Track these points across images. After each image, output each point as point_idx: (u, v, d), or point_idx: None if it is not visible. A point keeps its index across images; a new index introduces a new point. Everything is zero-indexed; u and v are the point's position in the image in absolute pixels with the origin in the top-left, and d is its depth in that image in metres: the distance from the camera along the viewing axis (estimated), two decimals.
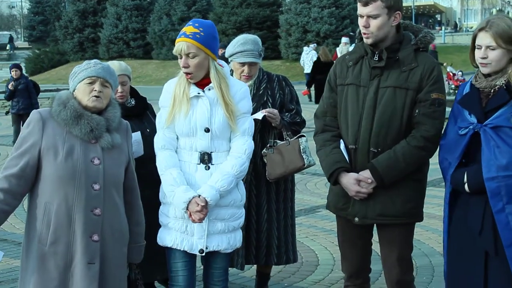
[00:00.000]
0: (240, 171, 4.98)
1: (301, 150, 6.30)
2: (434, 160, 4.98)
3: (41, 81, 48.93)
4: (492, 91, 4.62)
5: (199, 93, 5.00)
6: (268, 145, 6.38)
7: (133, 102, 6.26)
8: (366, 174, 4.94)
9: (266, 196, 6.51)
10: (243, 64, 6.40)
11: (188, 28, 4.97)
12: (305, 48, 28.90)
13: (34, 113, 4.76)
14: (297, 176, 6.51)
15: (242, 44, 6.41)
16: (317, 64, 22.49)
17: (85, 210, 4.67)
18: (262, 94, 6.49)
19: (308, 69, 28.53)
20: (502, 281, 4.59)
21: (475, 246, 4.65)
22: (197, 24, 5.00)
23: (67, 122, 4.66)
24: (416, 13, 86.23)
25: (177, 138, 5.08)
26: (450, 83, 29.30)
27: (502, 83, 4.59)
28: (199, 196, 4.85)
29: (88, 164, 4.67)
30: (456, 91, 25.16)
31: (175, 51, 4.98)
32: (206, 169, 4.99)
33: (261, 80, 6.55)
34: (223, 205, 4.99)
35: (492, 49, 4.58)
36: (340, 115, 5.10)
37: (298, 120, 6.55)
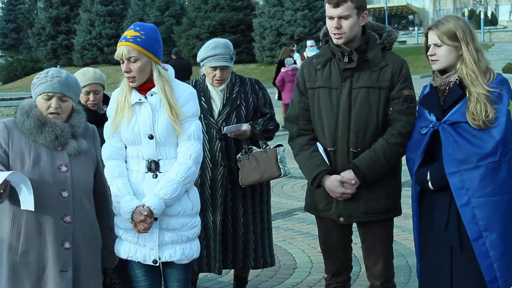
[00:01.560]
0: (186, 177, 4.85)
1: (278, 160, 6.32)
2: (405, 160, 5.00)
3: (15, 88, 49.20)
4: (447, 88, 4.71)
5: (140, 99, 4.92)
6: (243, 151, 6.36)
7: (105, 109, 6.21)
8: (349, 175, 4.97)
9: (242, 200, 6.49)
10: (214, 68, 6.36)
11: (129, 32, 4.89)
12: (296, 54, 29.13)
13: None
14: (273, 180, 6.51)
15: (213, 48, 6.39)
16: (280, 63, 22.87)
17: (54, 218, 4.64)
18: (235, 98, 6.46)
19: None
20: (466, 276, 4.64)
21: (442, 242, 4.70)
22: (138, 28, 4.93)
23: (32, 131, 4.62)
24: (389, 14, 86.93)
25: (125, 148, 5.02)
26: None
27: (456, 79, 4.68)
28: (143, 205, 4.78)
29: (55, 171, 4.65)
30: None
31: (116, 55, 4.92)
32: (153, 178, 4.90)
33: (233, 83, 6.52)
34: (173, 215, 4.91)
35: (439, 46, 4.70)
36: (314, 118, 5.11)
37: (271, 127, 6.54)
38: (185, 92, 5.01)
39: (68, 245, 4.67)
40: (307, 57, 20.52)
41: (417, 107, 4.88)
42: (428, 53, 4.75)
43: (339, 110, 4.99)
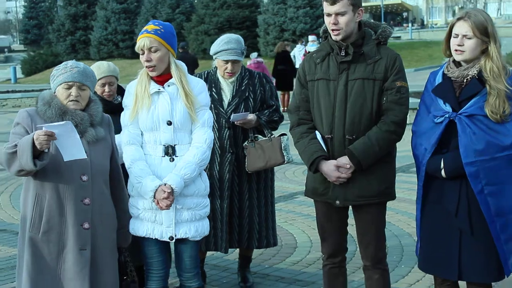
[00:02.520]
0: (202, 159, 5.01)
1: (282, 148, 6.36)
2: (403, 148, 5.00)
3: (36, 81, 49.08)
4: (464, 80, 4.66)
5: (159, 89, 5.04)
6: (249, 139, 6.39)
7: (119, 99, 6.25)
8: (344, 160, 4.96)
9: (248, 184, 6.52)
10: (226, 61, 6.41)
11: (149, 26, 5.03)
12: (297, 45, 29.00)
13: (22, 112, 4.78)
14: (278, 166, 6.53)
15: (226, 43, 6.42)
16: (277, 56, 23.07)
17: (75, 200, 4.69)
18: (244, 90, 6.49)
19: (298, 64, 28.86)
20: (475, 259, 4.64)
21: (451, 226, 4.69)
22: (157, 23, 5.09)
23: (53, 120, 4.63)
24: (385, 11, 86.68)
25: (142, 134, 5.09)
26: None
27: (474, 73, 4.62)
28: (165, 184, 4.87)
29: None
30: None
31: (137, 47, 5.01)
32: (170, 161, 5.01)
33: (243, 76, 6.55)
34: (188, 195, 5.02)
35: (469, 38, 4.60)
36: (314, 108, 5.11)
37: (276, 118, 6.58)
38: (198, 83, 5.16)
39: (87, 225, 4.71)
40: (308, 51, 20.75)
41: (426, 95, 4.83)
42: (456, 43, 4.62)
43: (336, 100, 4.98)
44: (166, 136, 5.01)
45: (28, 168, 4.46)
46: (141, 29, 5.13)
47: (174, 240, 5.05)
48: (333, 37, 4.96)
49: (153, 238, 5.02)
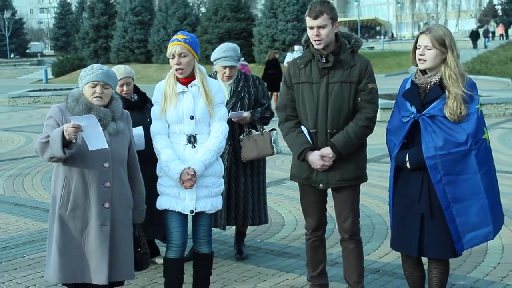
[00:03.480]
0: (219, 147, 5.11)
1: (272, 141, 6.41)
2: (375, 141, 5.02)
3: (64, 81, 49.05)
4: (428, 86, 4.68)
5: (184, 89, 5.11)
6: (244, 133, 6.43)
7: (136, 97, 6.31)
8: (327, 150, 5.03)
9: (243, 171, 6.56)
10: (225, 67, 6.48)
11: (179, 36, 5.11)
12: (288, 53, 29.06)
13: (53, 107, 4.80)
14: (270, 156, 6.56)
15: (224, 51, 6.47)
16: (268, 63, 23.50)
17: (97, 183, 4.71)
18: (240, 91, 6.52)
19: None
20: (433, 238, 4.67)
21: (414, 210, 4.71)
22: (185, 34, 5.18)
23: (80, 114, 4.64)
24: (361, 26, 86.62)
25: (168, 126, 5.15)
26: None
27: (436, 80, 4.65)
28: (189, 168, 4.94)
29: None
30: None
31: (169, 53, 5.09)
32: (192, 148, 5.08)
33: (239, 79, 6.58)
34: (207, 175, 5.08)
35: (429, 49, 4.63)
36: (299, 106, 5.15)
37: (267, 114, 6.61)
38: (216, 85, 5.25)
39: (107, 205, 4.73)
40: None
41: (398, 98, 4.86)
42: (419, 53, 4.66)
43: (319, 100, 5.04)
44: (189, 128, 5.08)
45: (58, 156, 4.50)
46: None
47: (192, 214, 5.11)
48: (316, 46, 5.01)
49: (176, 211, 5.07)
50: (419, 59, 4.68)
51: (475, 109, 4.57)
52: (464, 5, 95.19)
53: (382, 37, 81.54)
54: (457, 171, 4.54)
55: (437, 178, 4.56)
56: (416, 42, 4.72)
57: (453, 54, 4.63)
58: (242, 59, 24.63)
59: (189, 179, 4.94)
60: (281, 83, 5.39)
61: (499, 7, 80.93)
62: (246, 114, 6.38)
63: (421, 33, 4.72)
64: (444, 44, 4.61)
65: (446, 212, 4.57)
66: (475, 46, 47.92)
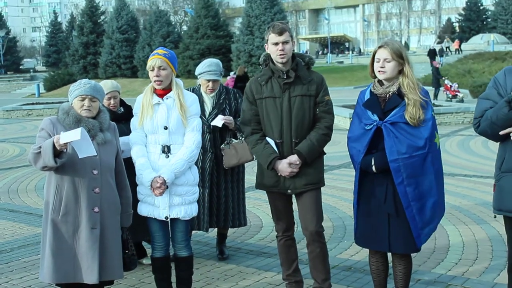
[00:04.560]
0: (190, 157, 5.08)
1: (251, 148, 6.33)
2: (346, 148, 5.02)
3: (56, 95, 48.84)
4: (387, 96, 4.72)
5: (159, 101, 5.11)
6: (225, 142, 6.41)
7: (122, 110, 6.29)
8: (294, 158, 5.07)
9: (224, 177, 6.55)
10: (208, 80, 6.46)
11: (159, 51, 5.15)
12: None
13: (45, 120, 4.79)
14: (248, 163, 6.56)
15: (208, 65, 6.47)
16: (237, 77, 24.76)
17: (87, 189, 4.70)
18: (221, 103, 6.52)
19: None
20: (400, 235, 4.70)
21: (381, 211, 4.73)
22: (164, 49, 5.22)
23: (70, 126, 4.65)
24: (331, 42, 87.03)
25: (146, 136, 5.15)
26: (447, 93, 28.66)
27: (395, 90, 4.70)
28: (159, 176, 4.94)
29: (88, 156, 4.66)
30: (450, 99, 25.09)
31: (149, 66, 5.10)
32: (166, 157, 5.07)
33: (221, 92, 6.58)
34: (179, 184, 5.06)
35: (388, 61, 4.68)
36: (264, 120, 5.20)
37: None
38: (191, 97, 5.24)
39: (97, 209, 4.72)
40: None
41: (358, 108, 4.88)
42: (379, 66, 4.70)
43: (282, 112, 5.10)
44: (163, 138, 5.07)
45: (50, 165, 4.48)
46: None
47: (168, 220, 5.10)
48: (279, 61, 5.07)
49: (153, 217, 5.08)
50: (379, 71, 4.72)
51: (431, 115, 4.64)
52: (425, 22, 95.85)
53: (350, 52, 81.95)
54: (417, 173, 4.59)
55: (399, 180, 4.59)
56: (373, 56, 4.78)
57: (409, 65, 4.71)
58: (233, 73, 25.85)
59: (158, 187, 4.92)
60: (243, 100, 5.43)
61: (457, 24, 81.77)
62: (229, 117, 6.40)
63: (380, 47, 4.77)
64: (401, 56, 4.69)
65: (407, 210, 4.61)
66: (432, 63, 48.42)
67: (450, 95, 28.26)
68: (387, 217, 4.71)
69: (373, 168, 4.69)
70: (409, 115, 4.57)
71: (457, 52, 57.70)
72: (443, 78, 29.38)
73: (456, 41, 61.06)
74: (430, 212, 4.67)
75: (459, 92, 28.39)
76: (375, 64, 4.75)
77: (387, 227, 4.72)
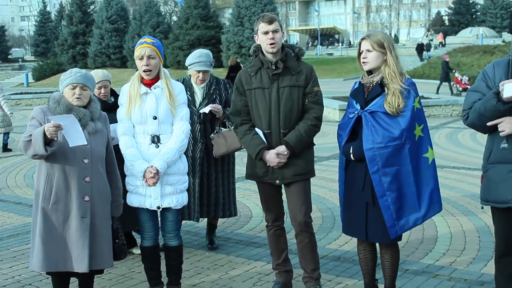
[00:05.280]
0: (181, 145, 5.06)
1: None
2: (333, 140, 5.05)
3: (44, 85, 48.64)
4: (371, 85, 4.77)
5: (147, 91, 5.07)
6: (215, 131, 6.42)
7: (112, 100, 6.28)
8: (282, 148, 5.08)
9: (214, 167, 6.56)
10: (199, 71, 6.46)
11: (147, 39, 5.08)
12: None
13: (36, 109, 4.79)
14: (236, 153, 6.56)
15: (198, 56, 6.47)
16: (230, 67, 24.37)
17: (78, 178, 4.70)
18: (212, 93, 6.52)
19: None
20: (377, 223, 4.72)
21: (359, 199, 4.77)
22: (151, 38, 5.16)
23: (61, 115, 4.62)
24: (321, 34, 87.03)
25: (133, 126, 5.11)
26: (457, 86, 28.52)
27: (378, 80, 4.74)
28: (152, 166, 4.92)
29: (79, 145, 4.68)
30: (460, 93, 25.13)
31: (137, 55, 5.02)
32: (156, 147, 5.05)
33: (211, 83, 6.58)
34: (170, 173, 5.05)
35: (370, 51, 4.73)
36: (253, 110, 5.21)
37: None
38: (178, 86, 5.20)
39: (87, 198, 4.72)
40: None
41: (349, 98, 4.93)
42: (362, 56, 4.76)
43: (271, 103, 5.10)
44: (152, 128, 5.03)
45: (40, 153, 4.48)
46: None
47: (160, 209, 5.10)
48: (270, 50, 5.07)
49: (145, 208, 5.07)
50: (363, 62, 4.78)
51: (412, 106, 4.65)
52: (415, 15, 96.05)
53: (340, 44, 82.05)
54: (392, 163, 4.60)
55: (374, 169, 4.61)
56: (359, 47, 4.83)
57: (391, 54, 4.73)
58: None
59: (152, 177, 4.91)
60: (233, 90, 5.44)
61: (446, 17, 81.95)
62: (218, 105, 6.41)
63: (362, 39, 4.82)
64: (383, 46, 4.71)
65: (381, 200, 4.63)
66: (420, 58, 48.59)
67: (460, 88, 28.09)
68: (365, 205, 4.75)
69: (352, 156, 4.73)
70: (388, 104, 4.60)
71: (440, 45, 57.82)
72: (454, 71, 29.31)
73: (440, 34, 61.29)
74: (407, 204, 4.67)
75: (469, 85, 28.40)
76: (361, 55, 4.80)
77: (364, 215, 4.76)
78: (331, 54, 63.56)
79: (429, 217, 4.82)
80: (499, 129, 4.28)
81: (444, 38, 59.27)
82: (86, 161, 4.72)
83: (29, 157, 4.62)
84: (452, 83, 28.90)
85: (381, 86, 4.69)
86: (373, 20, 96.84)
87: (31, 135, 4.53)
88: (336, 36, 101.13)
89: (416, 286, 5.57)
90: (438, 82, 29.26)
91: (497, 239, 4.58)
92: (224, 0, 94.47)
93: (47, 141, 4.47)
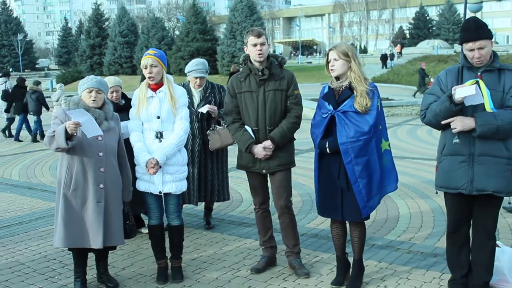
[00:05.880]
0: (180, 141, 5.04)
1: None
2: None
3: (67, 90, 48.05)
4: (340, 89, 4.74)
5: (152, 95, 5.06)
6: (211, 128, 6.39)
7: (123, 102, 6.25)
8: (268, 143, 5.08)
9: (210, 159, 6.54)
10: (196, 77, 6.44)
11: (150, 51, 5.09)
12: None
13: (59, 110, 4.78)
14: (229, 147, 6.54)
15: (196, 64, 6.44)
16: (231, 73, 23.81)
17: (94, 169, 4.70)
18: (208, 96, 6.49)
19: None
20: (351, 206, 4.71)
21: (335, 185, 4.75)
22: (155, 49, 5.16)
23: None
24: (301, 45, 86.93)
25: (142, 124, 5.10)
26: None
27: (346, 84, 4.71)
28: (153, 158, 4.92)
29: (95, 140, 4.69)
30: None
31: (142, 65, 5.05)
32: (159, 142, 5.03)
33: (207, 87, 6.55)
34: (170, 164, 5.03)
35: (336, 60, 4.71)
36: (243, 110, 5.19)
37: None
38: (180, 90, 5.18)
39: (102, 186, 4.71)
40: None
41: (320, 100, 4.88)
42: (330, 65, 4.74)
43: (258, 105, 5.09)
44: (156, 126, 5.02)
45: (62, 146, 4.49)
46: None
47: (162, 194, 5.08)
48: (258, 59, 5.08)
49: (150, 192, 5.06)
50: (331, 69, 4.75)
51: (376, 105, 4.64)
52: (381, 29, 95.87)
53: (318, 54, 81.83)
54: (363, 154, 4.58)
55: (348, 160, 4.59)
56: (327, 57, 4.80)
57: (355, 62, 4.70)
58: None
59: (152, 167, 4.90)
60: (225, 94, 5.42)
61: (407, 31, 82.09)
62: (213, 106, 6.39)
63: (330, 50, 4.79)
64: (347, 55, 4.69)
65: (354, 185, 4.62)
66: (384, 66, 48.61)
67: None
68: (340, 191, 4.73)
69: (327, 150, 4.71)
70: (358, 104, 4.58)
71: (399, 54, 57.93)
72: (429, 76, 29.21)
73: (398, 45, 61.53)
74: (374, 188, 4.67)
75: None
76: (329, 64, 4.79)
77: (340, 199, 4.74)
78: (310, 62, 63.39)
79: (385, 194, 4.83)
80: (452, 127, 4.30)
81: (401, 49, 59.36)
82: (101, 154, 4.72)
83: (52, 150, 4.61)
84: (428, 86, 28.82)
85: (349, 89, 4.68)
86: (345, 34, 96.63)
87: (54, 131, 4.53)
88: (315, 47, 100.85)
89: (381, 258, 5.59)
90: (401, 86, 29.23)
91: (448, 218, 4.61)
92: (219, 17, 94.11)
93: (68, 136, 4.48)
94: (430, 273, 5.18)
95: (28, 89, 16.59)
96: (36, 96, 16.35)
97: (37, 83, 17.12)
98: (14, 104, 16.80)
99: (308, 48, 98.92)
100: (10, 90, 17.54)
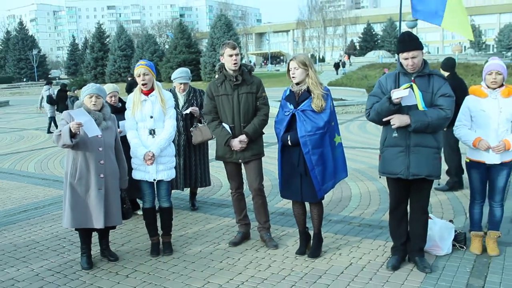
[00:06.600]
0: (170, 136, 5.01)
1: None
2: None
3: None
4: (300, 92, 4.71)
5: (145, 98, 5.01)
6: (193, 126, 6.33)
7: (120, 105, 6.16)
8: (243, 137, 5.05)
9: (194, 152, 6.48)
10: (181, 83, 6.38)
11: (142, 62, 5.04)
12: None
13: (65, 112, 4.69)
14: (209, 141, 6.50)
15: (180, 72, 6.40)
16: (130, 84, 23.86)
17: (95, 161, 4.65)
18: (190, 99, 6.44)
19: None
20: (308, 189, 4.69)
21: (295, 172, 4.73)
22: (145, 60, 5.12)
23: None
24: (270, 56, 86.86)
25: (136, 123, 5.03)
26: None
27: (305, 88, 4.69)
28: (150, 151, 4.90)
29: (95, 137, 4.64)
30: None
31: (136, 73, 4.99)
32: (152, 138, 4.98)
33: (190, 91, 6.50)
34: (162, 156, 5.00)
35: (296, 69, 4.68)
36: (220, 111, 5.15)
37: None
38: (168, 94, 5.15)
39: (102, 175, 4.66)
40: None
41: (282, 101, 4.85)
42: (291, 73, 4.70)
43: (233, 105, 5.06)
44: (150, 124, 4.98)
45: (67, 143, 4.44)
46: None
47: (156, 181, 5.04)
48: (233, 68, 5.04)
49: (145, 180, 5.01)
50: (292, 77, 4.73)
51: (330, 106, 4.64)
52: (336, 42, 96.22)
53: (284, 63, 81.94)
54: (318, 146, 4.57)
55: (306, 150, 4.57)
56: (288, 66, 4.77)
57: (312, 70, 4.68)
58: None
59: (149, 159, 4.88)
60: (204, 97, 5.38)
61: (357, 44, 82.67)
62: (195, 108, 6.34)
63: (290, 60, 4.76)
64: (305, 64, 4.67)
65: (311, 172, 4.60)
66: (337, 72, 48.86)
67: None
68: (299, 176, 4.71)
69: (289, 142, 4.69)
70: (315, 105, 4.57)
71: (349, 62, 58.14)
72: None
73: (346, 55, 61.75)
74: (327, 174, 4.66)
75: None
76: (290, 72, 4.76)
77: (299, 183, 4.72)
78: (278, 70, 63.26)
79: (339, 181, 4.83)
80: (391, 123, 4.33)
81: (349, 58, 59.56)
82: (100, 149, 4.66)
83: (59, 146, 4.54)
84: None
85: (308, 92, 4.67)
86: (307, 46, 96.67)
87: (60, 130, 4.47)
88: (282, 57, 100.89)
89: (336, 231, 5.61)
90: (352, 89, 29.31)
91: (390, 198, 4.65)
92: (202, 33, 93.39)
93: (72, 135, 4.42)
94: (376, 242, 5.22)
95: (68, 95, 16.89)
96: (74, 101, 16.61)
97: (64, 85, 17.88)
98: (57, 105, 17.19)
99: (276, 58, 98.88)
100: (54, 95, 17.79)
